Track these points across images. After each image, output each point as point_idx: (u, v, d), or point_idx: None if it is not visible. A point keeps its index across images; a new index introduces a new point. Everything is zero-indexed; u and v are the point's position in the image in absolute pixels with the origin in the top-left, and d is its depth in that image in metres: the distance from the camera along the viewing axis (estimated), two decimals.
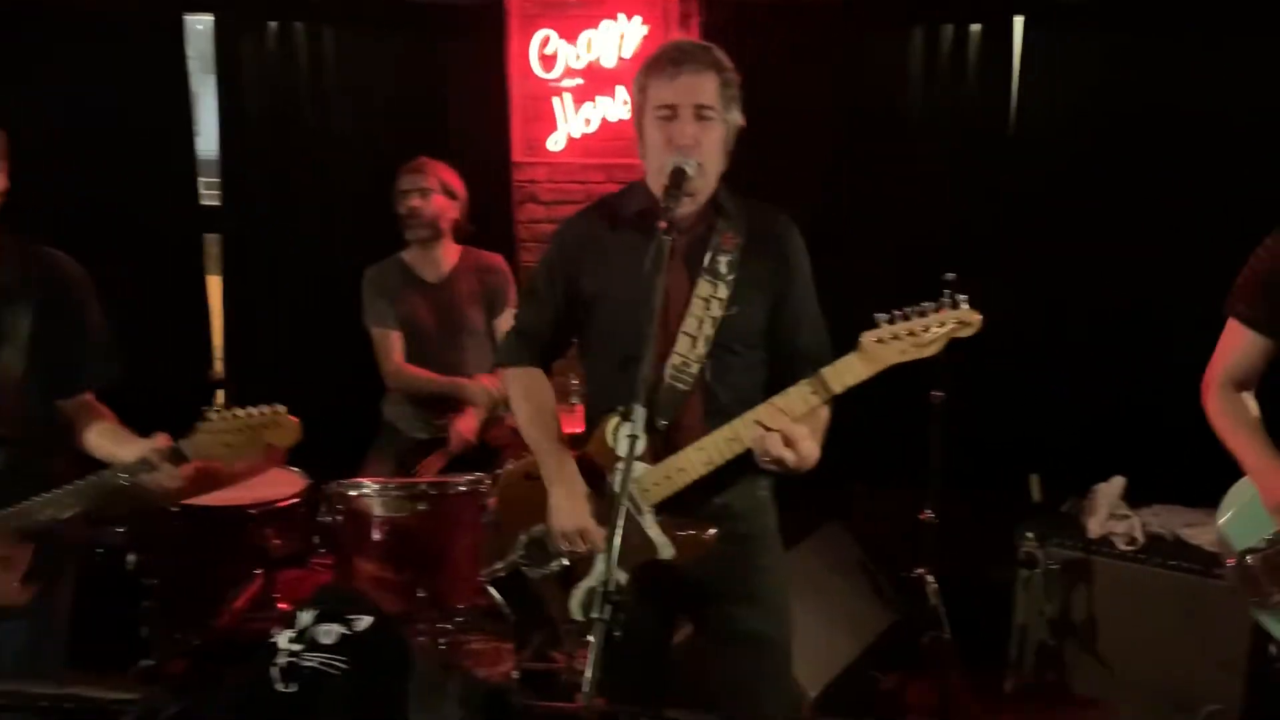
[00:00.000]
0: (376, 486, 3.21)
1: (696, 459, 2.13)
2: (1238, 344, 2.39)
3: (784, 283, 2.24)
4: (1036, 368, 4.40)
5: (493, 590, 2.53)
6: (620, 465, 1.78)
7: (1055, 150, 4.33)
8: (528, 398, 2.39)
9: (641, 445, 2.06)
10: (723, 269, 2.15)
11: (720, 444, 2.11)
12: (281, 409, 2.18)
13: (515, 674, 3.63)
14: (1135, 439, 4.26)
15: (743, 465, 2.14)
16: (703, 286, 2.15)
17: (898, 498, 4.10)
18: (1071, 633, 3.80)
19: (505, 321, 3.75)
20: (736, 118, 2.20)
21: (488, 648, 3.93)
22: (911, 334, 1.93)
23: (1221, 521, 2.45)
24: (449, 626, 3.37)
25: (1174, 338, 4.29)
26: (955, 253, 4.03)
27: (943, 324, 1.93)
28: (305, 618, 1.44)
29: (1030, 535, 3.86)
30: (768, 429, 2.02)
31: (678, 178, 2.06)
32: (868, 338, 1.96)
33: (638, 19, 4.43)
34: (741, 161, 4.31)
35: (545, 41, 4.51)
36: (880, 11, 4.40)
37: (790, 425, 2.01)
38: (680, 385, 2.15)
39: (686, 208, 2.16)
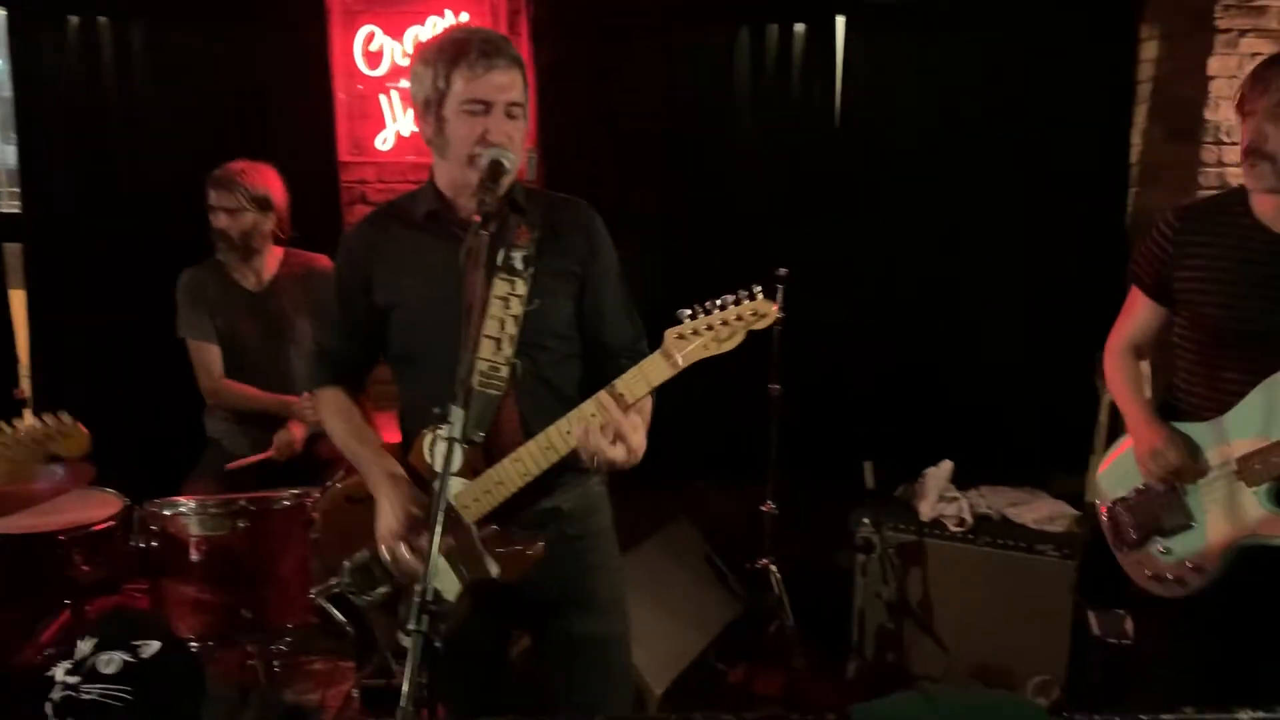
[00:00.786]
0: (193, 504, 3.03)
1: (513, 471, 2.06)
2: (1136, 311, 2.54)
3: (587, 272, 2.19)
4: (867, 357, 4.53)
5: (328, 606, 2.43)
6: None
7: (878, 142, 4.47)
8: (339, 415, 2.30)
9: (459, 460, 1.97)
10: (518, 264, 2.07)
11: (537, 453, 2.05)
12: (67, 418, 2.02)
13: (355, 693, 3.52)
14: (962, 424, 4.44)
15: (573, 465, 2.09)
16: (499, 285, 2.07)
17: (740, 491, 4.15)
18: (908, 614, 3.92)
19: None
20: (528, 108, 2.14)
21: (326, 667, 3.80)
22: (710, 328, 1.89)
23: (1099, 474, 2.62)
24: (282, 648, 3.22)
25: (994, 325, 4.52)
26: (787, 246, 4.16)
27: (739, 317, 1.89)
28: (84, 647, 1.34)
29: (866, 521, 3.96)
30: (590, 426, 1.96)
31: (496, 170, 1.99)
32: (670, 334, 1.93)
33: (465, 15, 4.35)
34: (571, 157, 4.39)
35: (370, 38, 4.37)
36: (708, 10, 4.43)
37: (620, 418, 1.95)
38: (491, 391, 2.08)
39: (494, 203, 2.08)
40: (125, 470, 3.34)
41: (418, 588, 1.62)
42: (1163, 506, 2.41)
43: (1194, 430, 2.37)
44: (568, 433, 2.00)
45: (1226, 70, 4.05)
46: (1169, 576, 2.39)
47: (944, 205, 4.45)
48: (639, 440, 2.00)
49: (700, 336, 1.90)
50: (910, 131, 4.44)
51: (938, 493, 4.00)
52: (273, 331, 3.62)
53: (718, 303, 1.90)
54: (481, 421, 2.07)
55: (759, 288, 1.92)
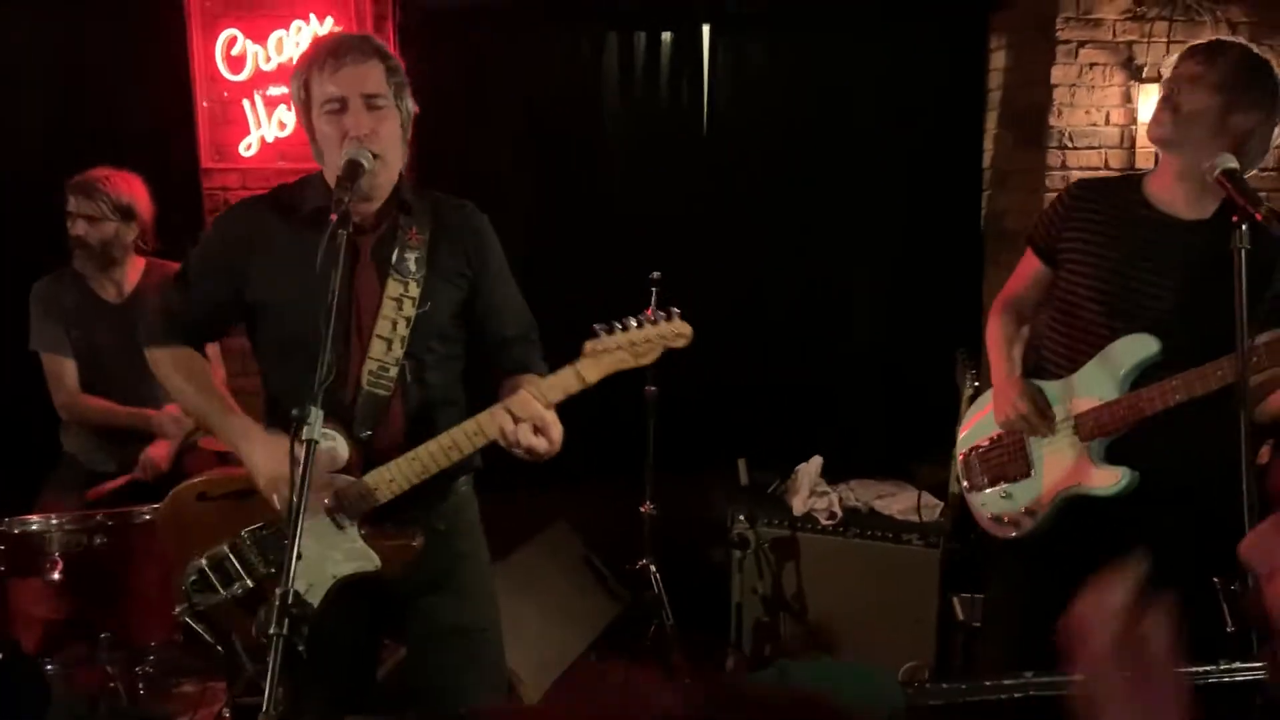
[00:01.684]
0: (45, 521, 2.90)
1: (409, 470, 2.07)
2: (1026, 271, 2.66)
3: (478, 273, 2.22)
4: (740, 357, 4.63)
5: (193, 624, 2.35)
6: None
7: (745, 146, 4.60)
8: (181, 370, 2.23)
9: (344, 457, 2.05)
10: (411, 266, 2.10)
11: (438, 454, 2.06)
12: None
13: (226, 713, 3.41)
14: (831, 420, 4.58)
15: (452, 469, 2.11)
16: (392, 286, 2.09)
17: (619, 492, 4.18)
18: (784, 607, 4.00)
19: None
20: (409, 105, 2.14)
21: (196, 689, 3.67)
22: (631, 344, 2.00)
23: (962, 431, 2.79)
24: (148, 669, 3.11)
25: (860, 323, 4.67)
26: (659, 248, 4.21)
27: (660, 336, 2.01)
28: None
29: (741, 518, 4.03)
30: (518, 419, 2.00)
31: (352, 170, 1.97)
32: (591, 347, 2.00)
33: (329, 20, 4.28)
34: (442, 161, 4.37)
35: (232, 41, 4.27)
36: (577, 17, 4.47)
37: (541, 412, 2.01)
38: (380, 391, 2.09)
39: (370, 204, 2.10)
40: None
41: (278, 590, 1.61)
42: (1010, 454, 2.59)
43: (1048, 387, 2.53)
44: (475, 434, 2.04)
45: (1068, 79, 4.29)
46: (1005, 519, 2.59)
47: (809, 207, 4.60)
48: (558, 433, 2.06)
49: (621, 351, 1.99)
50: (775, 135, 4.57)
51: (809, 488, 4.10)
52: (134, 345, 3.47)
53: (633, 321, 2.00)
54: (367, 420, 2.08)
55: (677, 310, 2.03)
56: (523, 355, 2.28)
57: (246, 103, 4.31)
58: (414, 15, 4.36)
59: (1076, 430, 2.45)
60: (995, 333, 2.68)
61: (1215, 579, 2.05)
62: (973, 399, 3.77)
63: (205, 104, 4.31)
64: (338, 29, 4.29)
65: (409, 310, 2.09)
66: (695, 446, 4.48)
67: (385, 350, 2.08)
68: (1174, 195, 2.38)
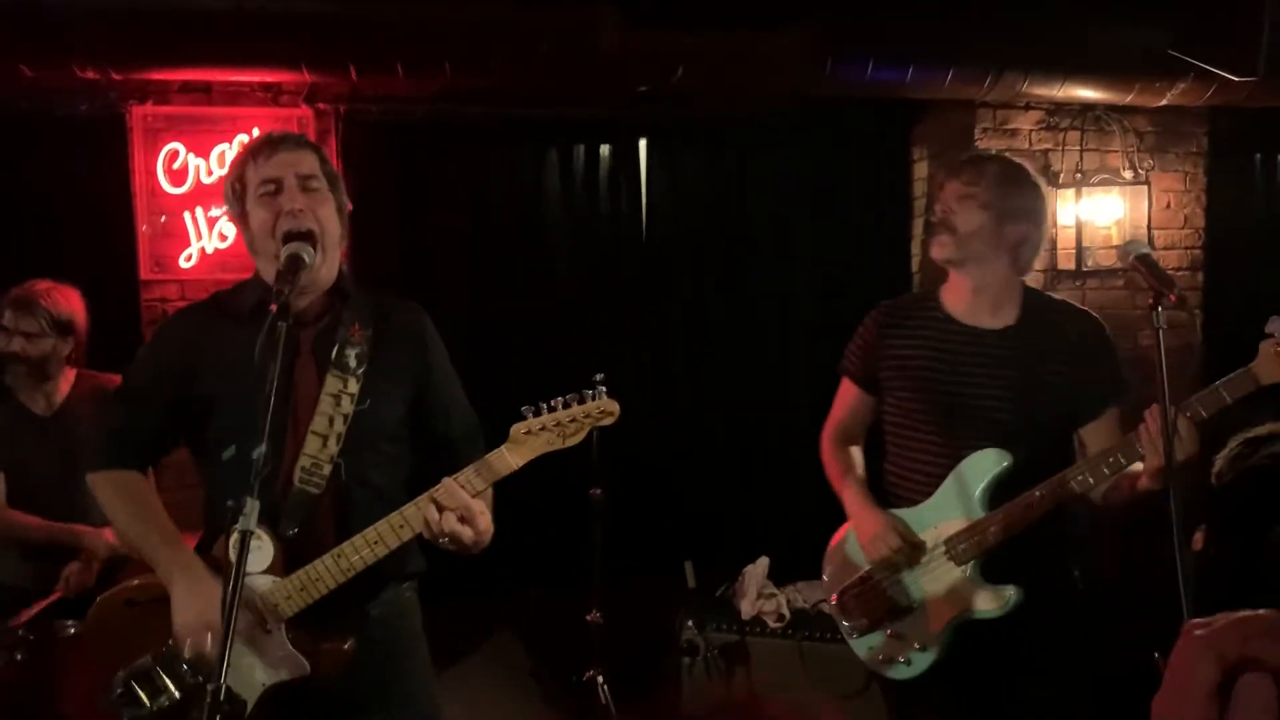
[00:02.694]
0: None
1: (335, 567, 1.98)
2: (847, 400, 2.64)
3: (423, 373, 2.18)
4: (683, 459, 4.65)
5: None
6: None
7: (684, 253, 4.72)
8: (122, 495, 2.13)
9: (269, 556, 1.98)
10: (352, 362, 2.06)
11: (363, 548, 1.98)
12: None
13: None
14: (775, 520, 4.58)
15: (384, 568, 2.03)
16: (331, 382, 2.04)
17: (564, 600, 4.11)
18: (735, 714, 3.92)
19: None
20: (344, 200, 2.14)
21: None
22: (558, 424, 1.96)
23: (824, 563, 2.67)
24: None
25: (798, 424, 4.72)
26: (601, 353, 4.26)
27: (587, 414, 1.97)
28: None
29: (690, 623, 3.96)
30: (443, 508, 1.94)
31: (293, 263, 1.95)
32: (517, 429, 1.96)
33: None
34: (382, 273, 4.39)
35: (174, 155, 4.31)
36: (517, 132, 4.59)
37: (468, 501, 1.95)
38: (311, 489, 2.01)
39: (309, 296, 2.08)
40: None
41: (209, 686, 1.55)
42: (885, 590, 2.45)
43: (907, 516, 2.44)
44: (401, 526, 1.97)
45: None
46: (899, 659, 2.44)
47: (747, 311, 4.72)
48: (486, 523, 2.00)
49: (547, 432, 1.95)
50: (713, 243, 4.71)
51: (757, 590, 4.07)
52: (63, 458, 3.36)
53: (562, 400, 1.96)
54: (295, 518, 2.01)
55: (603, 387, 1.99)
56: (470, 457, 2.18)
57: (187, 215, 4.33)
58: (356, 131, 4.44)
59: (949, 555, 2.37)
60: (835, 465, 2.63)
61: (1155, 654, 2.05)
62: None
63: (145, 216, 4.31)
64: None
65: (347, 407, 2.04)
66: (641, 549, 4.44)
67: (320, 447, 2.02)
68: (974, 308, 2.41)
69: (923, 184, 4.80)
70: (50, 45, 3.57)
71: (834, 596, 2.58)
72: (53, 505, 3.33)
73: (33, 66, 3.65)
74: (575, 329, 4.57)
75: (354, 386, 2.05)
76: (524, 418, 1.97)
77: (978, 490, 2.34)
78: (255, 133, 4.33)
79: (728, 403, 4.69)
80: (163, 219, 4.33)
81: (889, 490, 2.54)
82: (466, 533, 1.95)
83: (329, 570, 1.98)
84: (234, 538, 1.72)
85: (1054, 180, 4.51)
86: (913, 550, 2.40)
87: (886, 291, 4.69)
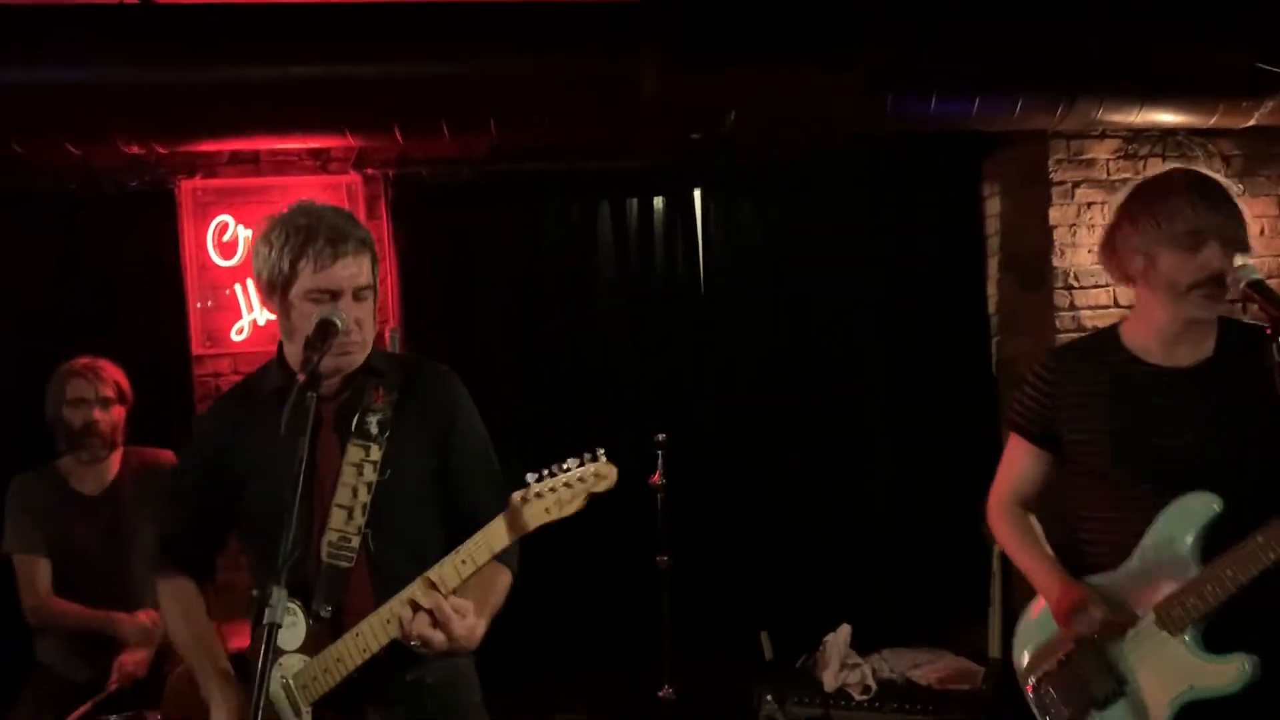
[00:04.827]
0: None
1: (354, 647, 1.91)
2: (1019, 459, 2.39)
3: (446, 435, 2.09)
4: (752, 522, 4.41)
5: None
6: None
7: (745, 305, 4.52)
8: (171, 602, 2.19)
9: (300, 635, 1.93)
10: (373, 429, 2.00)
11: (378, 628, 1.88)
12: None
13: None
14: (854, 585, 4.33)
15: None
16: (353, 451, 1.99)
17: (635, 675, 3.92)
18: None
19: None
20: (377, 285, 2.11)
21: None
22: (554, 490, 1.82)
23: (1016, 647, 2.37)
24: None
25: (876, 481, 4.48)
26: (662, 412, 4.10)
27: (581, 479, 1.81)
28: None
29: (769, 697, 3.77)
30: (417, 608, 1.82)
31: (325, 330, 1.89)
32: (515, 497, 1.84)
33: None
34: (435, 334, 4.29)
35: (223, 228, 4.27)
36: (569, 188, 4.48)
37: (441, 602, 1.82)
38: (341, 563, 1.96)
39: (337, 378, 2.03)
40: None
41: None
42: (1090, 674, 2.18)
43: (1105, 583, 2.19)
44: (388, 620, 1.88)
45: (1066, 219, 4.26)
46: None
47: (815, 364, 4.49)
48: (461, 628, 1.85)
49: (543, 499, 1.82)
50: (775, 294, 4.52)
51: (839, 660, 3.85)
52: (112, 538, 3.32)
53: (564, 465, 1.83)
54: (329, 595, 1.95)
55: (601, 449, 1.84)
56: None
57: (238, 287, 4.27)
58: (405, 193, 4.37)
59: (1162, 624, 2.09)
60: (1012, 534, 2.37)
61: None
62: (1003, 555, 3.59)
63: (196, 290, 4.26)
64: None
65: (370, 475, 1.98)
66: (712, 620, 4.21)
67: (345, 520, 1.96)
68: (1167, 345, 2.19)
69: (995, 220, 4.58)
70: (94, 121, 3.54)
71: (1029, 686, 2.29)
72: (100, 588, 3.28)
73: (77, 143, 3.63)
74: (633, 387, 4.39)
75: (376, 454, 2.00)
76: (526, 484, 1.86)
77: (1187, 543, 2.08)
78: None
79: (798, 461, 4.45)
80: (209, 301, 4.27)
81: (1080, 557, 2.26)
82: (437, 638, 1.82)
83: (349, 650, 1.92)
84: (262, 629, 1.70)
85: None
86: (1119, 625, 2.13)
87: (961, 338, 4.57)
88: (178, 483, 2.24)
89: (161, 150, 3.81)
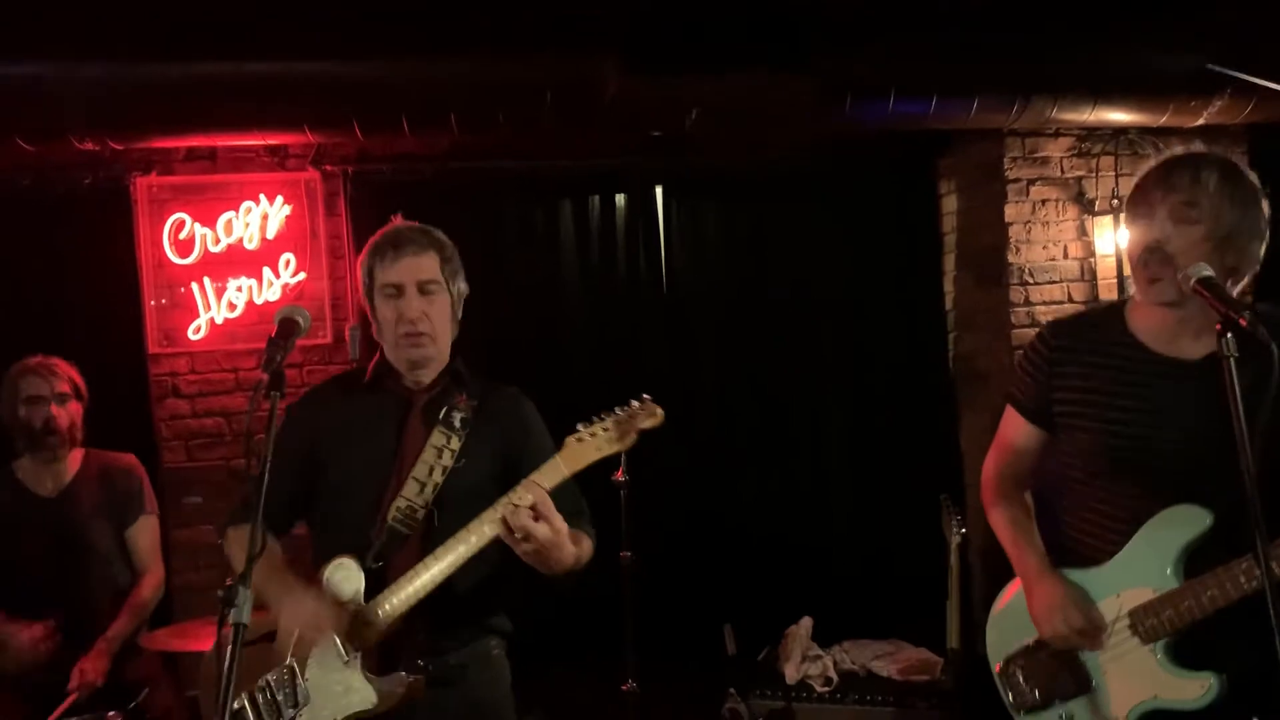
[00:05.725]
0: None
1: (401, 595, 2.07)
2: (1015, 434, 2.28)
3: (520, 448, 2.28)
4: (713, 518, 4.44)
5: None
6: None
7: (705, 303, 4.55)
8: (243, 546, 2.16)
9: (358, 584, 2.09)
10: (456, 423, 2.24)
11: (423, 575, 2.06)
12: None
13: None
14: (815, 578, 4.37)
15: (472, 620, 2.20)
16: (437, 436, 2.22)
17: (598, 672, 3.92)
18: None
19: (140, 532, 3.32)
20: (462, 287, 2.36)
21: None
22: (605, 430, 2.07)
23: (990, 623, 2.34)
24: None
25: (835, 475, 4.53)
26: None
27: (631, 416, 2.07)
28: None
29: (731, 690, 3.78)
30: (517, 505, 2.01)
31: (285, 327, 1.96)
32: (570, 439, 2.09)
33: (279, 199, 4.25)
34: None
35: (180, 225, 4.21)
36: (530, 185, 4.47)
37: (544, 495, 2.02)
38: (402, 529, 2.16)
39: (425, 374, 2.29)
40: None
41: None
42: (1061, 666, 2.15)
43: (1086, 579, 2.13)
44: (489, 523, 2.05)
45: (1021, 216, 4.33)
46: None
47: (775, 362, 4.54)
48: (561, 523, 2.04)
49: (596, 437, 2.07)
50: (736, 291, 4.54)
51: (801, 652, 3.88)
52: (62, 542, 3.26)
53: (610, 411, 2.09)
54: (383, 554, 2.14)
55: (648, 396, 2.10)
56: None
57: (195, 285, 4.22)
58: (364, 191, 4.34)
59: (1135, 631, 2.05)
60: (1002, 515, 2.27)
61: None
62: (961, 548, 3.63)
63: (152, 288, 4.20)
64: (287, 209, 4.26)
65: (447, 460, 2.20)
66: (676, 615, 4.23)
67: (417, 491, 2.18)
68: (1175, 335, 2.05)
69: (952, 218, 4.64)
70: (46, 117, 3.48)
71: (998, 664, 2.26)
72: (40, 588, 3.20)
73: (30, 140, 3.56)
74: (594, 384, 4.39)
75: (455, 444, 2.23)
76: (575, 430, 2.09)
77: (1172, 556, 2.02)
78: (262, 200, 4.24)
79: (759, 458, 4.49)
80: (164, 300, 4.22)
81: (1064, 544, 2.20)
82: (541, 529, 1.99)
83: (402, 590, 2.07)
84: (336, 574, 2.05)
85: (1089, 208, 4.34)
86: (1097, 630, 2.09)
87: (919, 334, 4.62)
88: (264, 459, 2.26)
89: (116, 146, 3.75)
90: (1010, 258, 4.31)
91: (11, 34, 3.37)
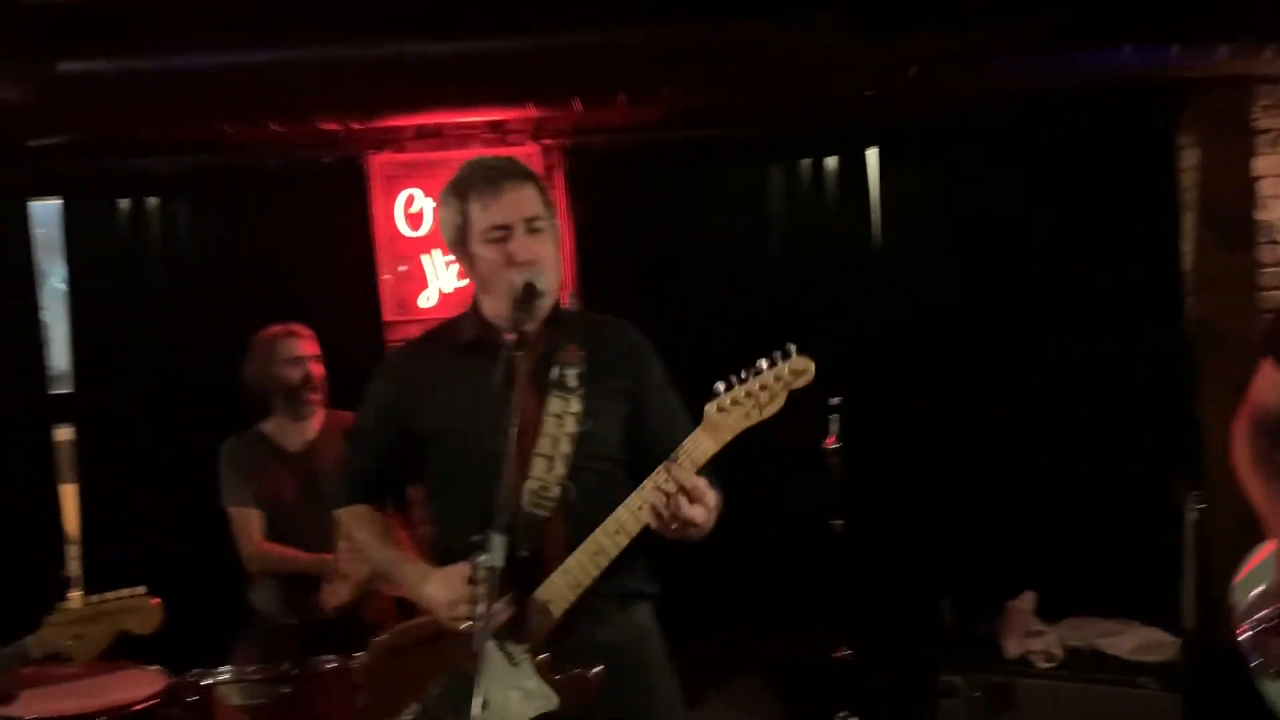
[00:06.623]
0: (232, 672, 2.90)
1: (562, 584, 1.96)
2: (1270, 389, 2.24)
3: (638, 389, 2.13)
4: (932, 487, 4.35)
5: None
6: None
7: (923, 268, 4.43)
8: (360, 525, 2.25)
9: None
10: (572, 382, 2.04)
11: (585, 562, 1.94)
12: (140, 590, 1.96)
13: None
14: (1040, 552, 4.22)
15: (619, 594, 2.03)
16: (553, 403, 2.02)
17: (807, 632, 3.92)
18: None
19: None
20: (557, 222, 2.14)
21: None
22: (750, 395, 1.85)
23: (1234, 589, 2.29)
24: None
25: (1062, 445, 4.33)
26: (837, 375, 4.04)
27: (778, 378, 1.85)
28: None
29: (948, 663, 3.70)
30: (667, 494, 1.84)
31: (529, 293, 1.96)
32: (710, 408, 1.87)
33: None
34: (610, 300, 4.37)
35: (410, 200, 4.45)
36: (739, 150, 4.48)
37: (695, 479, 1.86)
38: (540, 511, 1.99)
39: (530, 326, 2.05)
40: (170, 647, 3.22)
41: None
42: None
43: None
44: (639, 509, 1.90)
45: (1272, 169, 4.00)
46: None
47: (998, 325, 4.37)
48: (713, 499, 1.92)
49: (740, 405, 1.85)
50: (955, 256, 4.41)
51: (1023, 627, 3.76)
52: (313, 493, 3.53)
53: (753, 369, 1.86)
54: (527, 542, 1.97)
55: (793, 345, 1.87)
56: None
57: (425, 257, 4.46)
58: (580, 162, 4.46)
59: None
60: (1252, 469, 2.22)
61: None
62: (1197, 523, 3.42)
63: (387, 260, 4.47)
64: None
65: (571, 427, 2.02)
66: (889, 584, 4.17)
67: (546, 469, 2.00)
68: None
69: (1192, 174, 4.33)
70: (295, 100, 3.76)
71: (1244, 628, 2.21)
72: (304, 537, 3.47)
73: (280, 122, 3.86)
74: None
75: (576, 406, 2.03)
76: (716, 395, 1.88)
77: None
78: None
79: (980, 427, 4.34)
80: (400, 270, 4.47)
81: None
82: (696, 511, 1.86)
83: (558, 589, 1.95)
84: (481, 574, 1.75)
85: None
86: None
87: (1153, 298, 4.34)
88: (360, 424, 2.28)
89: (355, 126, 4.01)
90: (1258, 215, 4.00)
91: (262, 23, 3.64)
